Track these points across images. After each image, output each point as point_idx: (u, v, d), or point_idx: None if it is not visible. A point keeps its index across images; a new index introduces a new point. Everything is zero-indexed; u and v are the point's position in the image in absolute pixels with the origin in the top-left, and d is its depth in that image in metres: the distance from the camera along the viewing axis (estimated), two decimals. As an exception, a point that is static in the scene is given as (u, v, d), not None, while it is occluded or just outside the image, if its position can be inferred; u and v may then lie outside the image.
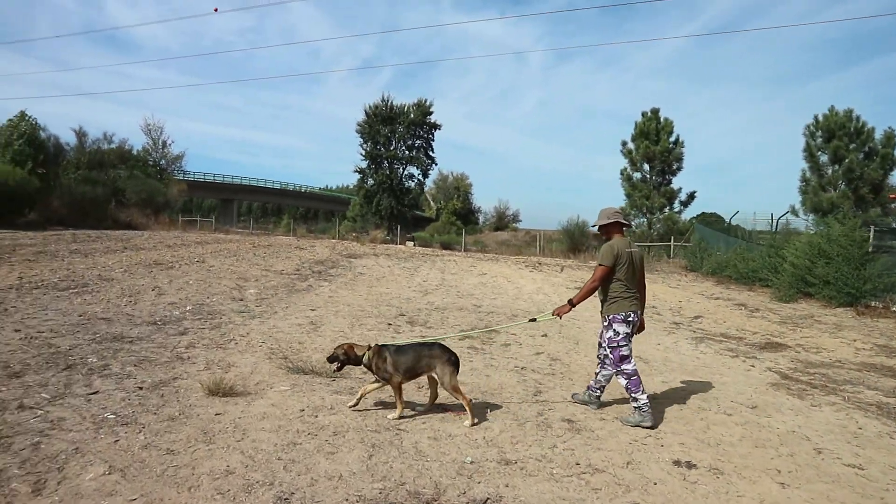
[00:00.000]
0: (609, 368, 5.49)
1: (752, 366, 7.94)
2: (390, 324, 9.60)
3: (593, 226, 5.68)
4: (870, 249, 14.64)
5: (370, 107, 56.72)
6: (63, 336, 7.15)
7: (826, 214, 28.53)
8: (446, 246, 38.40)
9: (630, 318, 5.31)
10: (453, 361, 5.06)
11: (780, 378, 7.30)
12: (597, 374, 5.66)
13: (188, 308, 9.66)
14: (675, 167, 38.13)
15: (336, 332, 8.66)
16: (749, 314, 12.96)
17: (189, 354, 6.79)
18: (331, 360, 5.31)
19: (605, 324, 5.40)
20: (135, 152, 44.79)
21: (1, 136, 31.06)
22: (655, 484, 4.03)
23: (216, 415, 4.85)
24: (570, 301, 5.30)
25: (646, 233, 37.14)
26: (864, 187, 31.39)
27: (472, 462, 4.19)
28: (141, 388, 5.40)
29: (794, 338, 10.16)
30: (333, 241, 37.25)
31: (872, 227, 17.71)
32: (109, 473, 3.66)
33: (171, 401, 5.13)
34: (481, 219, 76.59)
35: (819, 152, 33.40)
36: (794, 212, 32.51)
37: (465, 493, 3.71)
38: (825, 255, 14.75)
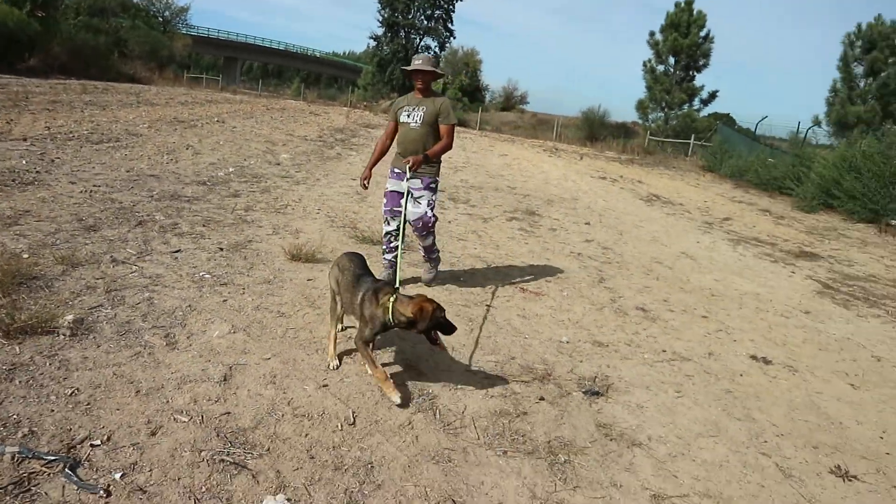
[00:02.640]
0: (430, 238, 5.14)
1: (793, 272, 8.16)
2: (434, 201, 9.67)
3: (415, 68, 4.81)
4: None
5: (390, -30, 53.72)
6: (121, 192, 7.14)
7: (851, 128, 28.03)
8: (459, 123, 37.69)
9: None
10: None
11: (823, 287, 7.53)
12: (426, 247, 5.24)
13: (230, 170, 9.63)
14: (700, 63, 36.81)
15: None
16: (775, 221, 13.11)
17: (252, 217, 6.86)
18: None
19: (433, 185, 4.97)
20: (136, 1, 42.72)
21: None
22: (741, 375, 4.30)
23: (308, 280, 5.00)
24: (425, 155, 4.71)
25: (661, 128, 36.53)
26: (895, 103, 30.49)
27: (567, 342, 4.42)
28: (221, 250, 5.50)
29: (825, 249, 10.36)
30: (345, 108, 36.50)
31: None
32: (234, 332, 3.82)
33: (257, 264, 5.25)
34: (488, 97, 74.61)
35: (855, 63, 32.09)
36: (817, 122, 31.86)
37: (572, 370, 3.95)
38: (855, 170, 14.71)
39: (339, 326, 3.92)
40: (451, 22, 56.69)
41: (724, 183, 20.20)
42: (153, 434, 2.66)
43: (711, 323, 5.42)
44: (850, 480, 3.14)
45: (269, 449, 2.68)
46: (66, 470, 2.34)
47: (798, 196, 16.30)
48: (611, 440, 3.18)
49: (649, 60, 37.75)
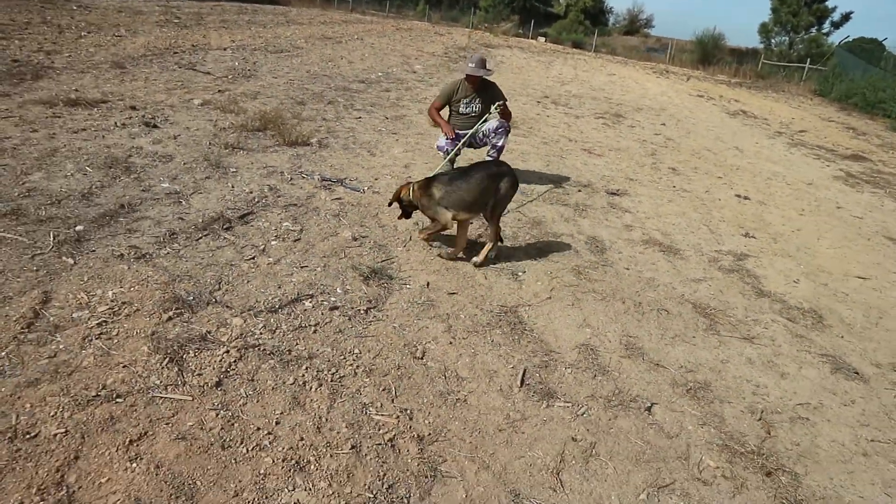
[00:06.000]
0: (506, 136, 5.83)
1: (828, 166, 9.96)
2: (538, 101, 12.04)
3: (473, 74, 5.62)
4: None
5: None
6: (309, 84, 10.05)
7: None
8: (577, 45, 38.65)
9: None
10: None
11: (845, 175, 9.35)
12: None
13: (379, 74, 12.39)
14: (835, -18, 35.48)
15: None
16: (854, 136, 14.37)
17: (402, 103, 9.59)
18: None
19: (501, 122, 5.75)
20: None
21: None
22: (720, 199, 6.64)
23: (444, 135, 7.68)
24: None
25: (784, 52, 35.77)
26: None
27: (608, 175, 6.91)
28: (387, 118, 8.28)
29: (881, 156, 11.82)
30: (467, 29, 38.48)
31: None
32: (406, 151, 6.63)
33: (411, 126, 8.01)
34: (611, 20, 73.06)
35: None
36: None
37: (605, 186, 6.47)
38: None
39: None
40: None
41: (830, 106, 20.84)
42: (376, 179, 5.49)
43: (722, 180, 7.66)
44: (749, 238, 5.51)
45: (431, 189, 5.44)
46: (344, 183, 5.20)
47: (893, 117, 17.06)
48: (613, 208, 5.73)
49: (776, -22, 36.64)
